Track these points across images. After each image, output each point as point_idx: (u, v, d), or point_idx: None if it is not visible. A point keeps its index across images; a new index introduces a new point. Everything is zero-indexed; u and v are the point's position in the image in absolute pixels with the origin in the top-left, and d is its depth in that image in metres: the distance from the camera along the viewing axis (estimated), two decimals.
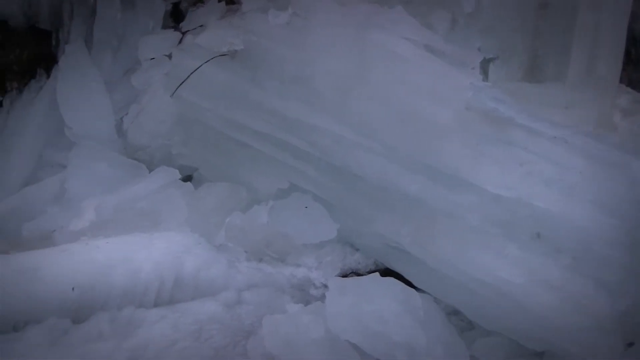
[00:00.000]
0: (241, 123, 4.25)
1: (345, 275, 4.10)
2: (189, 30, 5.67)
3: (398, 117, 3.68)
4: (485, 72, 4.28)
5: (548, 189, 3.33)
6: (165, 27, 6.02)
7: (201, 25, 5.60)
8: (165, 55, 5.51)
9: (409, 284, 3.63)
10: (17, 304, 3.48)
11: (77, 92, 5.47)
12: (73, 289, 3.56)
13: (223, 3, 5.87)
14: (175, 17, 6.10)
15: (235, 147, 4.38)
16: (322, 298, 3.66)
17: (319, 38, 3.94)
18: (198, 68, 4.33)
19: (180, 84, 4.40)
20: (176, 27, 5.89)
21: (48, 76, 6.12)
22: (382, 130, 3.73)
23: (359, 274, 4.08)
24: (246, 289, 3.91)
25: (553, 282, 3.23)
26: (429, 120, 3.61)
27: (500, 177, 3.41)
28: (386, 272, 3.88)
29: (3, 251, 3.85)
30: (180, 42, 5.63)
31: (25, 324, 3.44)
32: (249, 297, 3.82)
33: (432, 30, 4.06)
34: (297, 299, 3.90)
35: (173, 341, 3.38)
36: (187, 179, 4.85)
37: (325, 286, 3.97)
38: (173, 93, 4.47)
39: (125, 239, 3.92)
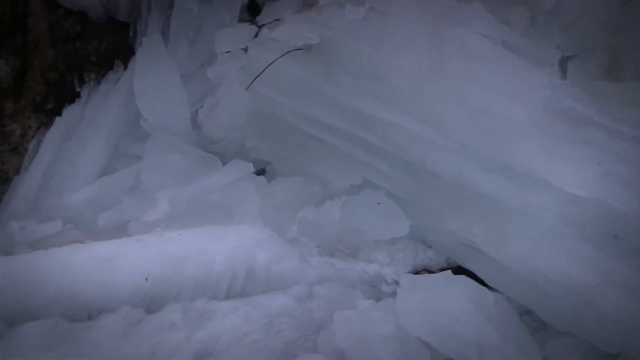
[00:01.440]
0: (315, 118, 4.25)
1: (417, 272, 4.09)
2: (265, 24, 5.67)
3: (474, 115, 3.65)
4: (563, 70, 4.21)
5: (626, 189, 3.26)
6: (241, 20, 6.04)
7: (277, 19, 5.60)
8: (241, 49, 5.52)
9: (481, 282, 3.60)
10: (92, 293, 3.54)
11: (154, 84, 5.52)
12: (146, 279, 3.61)
13: None
14: (252, 11, 6.12)
15: (309, 141, 4.38)
16: (393, 294, 3.66)
17: (395, 34, 3.92)
18: (273, 62, 4.33)
19: (256, 78, 4.41)
20: (252, 21, 5.90)
21: (125, 68, 6.21)
22: (457, 127, 3.70)
23: (430, 272, 4.07)
24: (317, 283, 3.92)
25: (629, 284, 3.17)
26: (505, 118, 3.57)
27: (577, 176, 3.35)
28: (458, 270, 3.85)
29: (79, 240, 3.91)
30: (256, 35, 5.64)
31: (99, 312, 3.50)
32: (320, 291, 3.83)
33: (510, 27, 4.00)
34: (368, 295, 3.90)
35: (244, 333, 3.41)
36: (260, 172, 4.88)
37: (397, 283, 3.96)
38: (248, 86, 4.49)
39: (198, 231, 3.95)
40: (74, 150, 5.80)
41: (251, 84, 4.45)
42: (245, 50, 5.25)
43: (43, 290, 3.50)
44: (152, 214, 4.47)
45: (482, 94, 3.64)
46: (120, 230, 4.22)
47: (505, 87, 3.61)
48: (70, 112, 6.10)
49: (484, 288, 3.46)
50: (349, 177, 4.32)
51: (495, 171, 3.60)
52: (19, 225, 4.85)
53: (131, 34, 6.46)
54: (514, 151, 3.53)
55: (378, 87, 3.96)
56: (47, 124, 6.09)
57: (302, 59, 4.31)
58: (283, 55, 4.32)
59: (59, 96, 6.16)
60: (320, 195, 4.44)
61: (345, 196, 4.35)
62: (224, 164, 4.92)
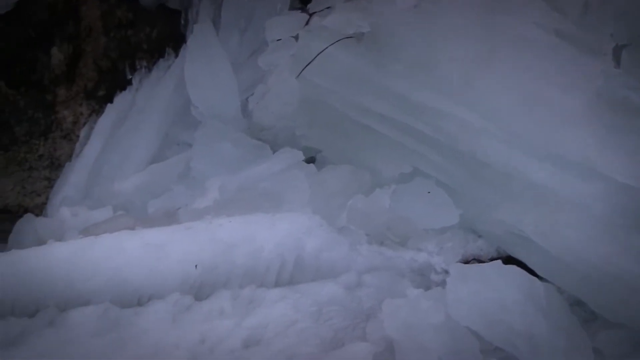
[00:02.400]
0: (366, 106, 4.23)
1: (466, 262, 4.06)
2: (316, 12, 5.66)
3: (525, 104, 3.62)
4: (617, 59, 4.16)
5: None
6: (292, 8, 6.02)
7: (328, 7, 5.57)
8: (292, 37, 5.52)
9: (531, 272, 3.57)
10: (142, 279, 3.57)
11: (204, 72, 5.53)
12: (196, 266, 3.62)
13: None
14: None
15: (359, 130, 4.37)
16: (443, 284, 3.65)
17: (446, 22, 3.90)
18: (324, 50, 4.32)
19: (306, 66, 4.40)
20: (303, 9, 5.89)
21: (176, 55, 6.23)
22: (508, 116, 3.67)
23: (480, 261, 4.04)
24: (367, 272, 3.92)
25: None
26: (557, 107, 3.54)
27: (630, 166, 3.32)
28: (508, 260, 3.82)
29: (129, 227, 3.94)
30: (307, 23, 5.63)
31: (149, 298, 3.53)
32: (370, 280, 3.83)
33: (562, 14, 3.97)
34: (418, 284, 3.88)
35: (293, 321, 3.41)
36: (310, 160, 4.87)
37: (446, 272, 3.94)
38: (299, 75, 4.48)
39: (247, 219, 3.96)
40: (125, 137, 5.85)
41: (302, 72, 4.44)
42: (296, 38, 5.25)
43: (94, 276, 3.54)
44: (201, 201, 4.49)
45: (534, 82, 3.62)
46: (170, 217, 4.24)
47: (557, 75, 3.58)
48: (121, 99, 6.15)
49: (535, 278, 3.43)
50: (398, 166, 4.30)
51: (547, 160, 3.57)
52: (70, 212, 4.89)
53: (182, 22, 6.47)
54: (566, 140, 3.50)
55: (429, 76, 3.94)
56: (98, 111, 6.15)
57: (352, 47, 4.30)
58: (334, 43, 4.31)
59: (110, 83, 6.22)
60: (370, 184, 4.43)
61: (395, 185, 4.34)
62: (274, 151, 4.93)
